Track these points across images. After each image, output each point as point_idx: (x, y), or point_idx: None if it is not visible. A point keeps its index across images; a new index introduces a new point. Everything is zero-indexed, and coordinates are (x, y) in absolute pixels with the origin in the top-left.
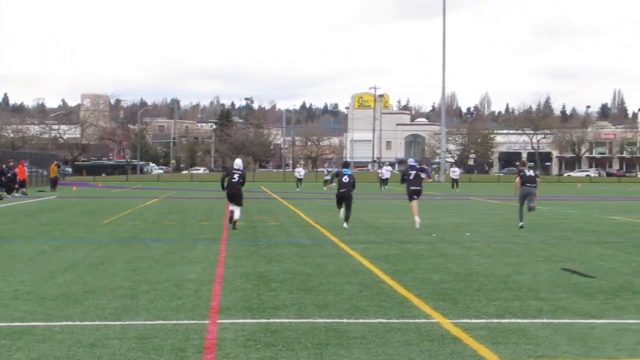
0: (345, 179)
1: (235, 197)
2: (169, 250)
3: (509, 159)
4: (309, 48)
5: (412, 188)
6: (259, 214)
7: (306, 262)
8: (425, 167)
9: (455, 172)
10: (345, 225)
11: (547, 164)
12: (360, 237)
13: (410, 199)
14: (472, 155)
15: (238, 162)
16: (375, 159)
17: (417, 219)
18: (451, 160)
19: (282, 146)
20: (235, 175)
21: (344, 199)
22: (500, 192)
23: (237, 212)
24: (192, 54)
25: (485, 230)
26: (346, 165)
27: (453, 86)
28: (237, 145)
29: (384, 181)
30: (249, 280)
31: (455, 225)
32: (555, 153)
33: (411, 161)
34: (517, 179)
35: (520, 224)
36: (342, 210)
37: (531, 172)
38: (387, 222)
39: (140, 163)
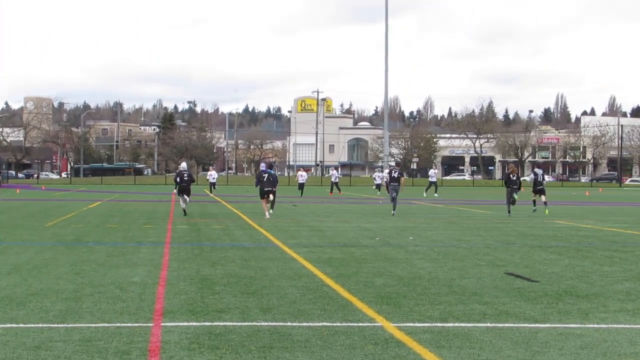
0: (264, 177)
1: (185, 191)
2: (112, 253)
3: (452, 163)
4: (252, 51)
5: (266, 189)
6: (202, 217)
7: (250, 266)
8: (275, 173)
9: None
10: (267, 215)
11: (490, 168)
12: (303, 240)
13: (262, 197)
14: (415, 159)
15: (184, 165)
16: (318, 163)
17: (267, 214)
18: (392, 163)
19: (225, 149)
20: (185, 175)
21: (268, 193)
22: (443, 196)
23: (182, 202)
24: (135, 57)
25: (429, 234)
26: (270, 166)
27: (396, 90)
28: (180, 148)
29: (377, 186)
30: (192, 283)
31: (399, 229)
32: (498, 157)
33: (263, 166)
34: (385, 179)
35: (392, 212)
36: (268, 206)
37: (395, 174)
38: (330, 226)
39: (141, 166)
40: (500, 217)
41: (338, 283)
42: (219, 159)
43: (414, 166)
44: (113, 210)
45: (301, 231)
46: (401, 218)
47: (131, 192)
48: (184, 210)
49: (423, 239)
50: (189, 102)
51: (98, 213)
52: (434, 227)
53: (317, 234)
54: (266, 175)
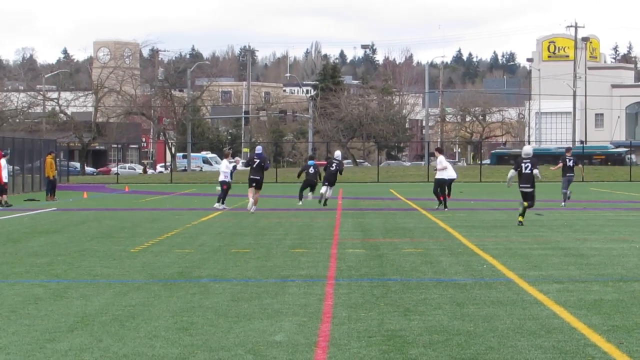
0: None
1: (332, 181)
2: (240, 296)
3: None
4: None
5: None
6: (387, 234)
7: (466, 314)
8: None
9: None
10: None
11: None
12: (554, 272)
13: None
14: None
15: (338, 154)
16: (578, 143)
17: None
18: None
19: (423, 123)
20: (334, 165)
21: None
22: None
23: (329, 191)
24: None
25: None
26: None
27: None
28: (351, 122)
29: None
30: (372, 343)
31: None
32: None
33: (259, 149)
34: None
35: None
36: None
37: (570, 162)
38: (598, 248)
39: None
40: None
41: (611, 342)
42: (414, 140)
43: None
44: (242, 224)
45: (550, 256)
46: None
47: (272, 195)
48: (325, 202)
49: None
50: (364, 47)
51: (217, 230)
52: None
53: (577, 261)
54: (257, 161)
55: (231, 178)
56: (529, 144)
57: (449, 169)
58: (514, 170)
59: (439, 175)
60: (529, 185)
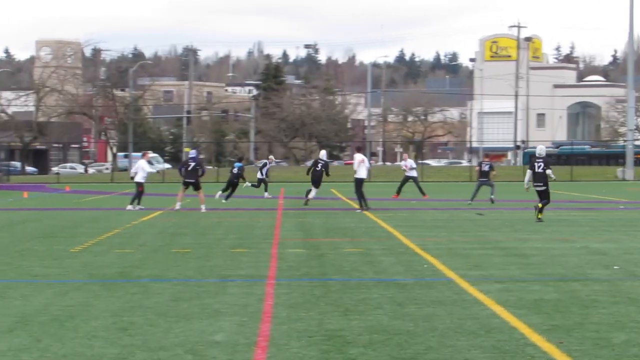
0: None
1: (317, 182)
2: (181, 296)
3: None
4: None
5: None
6: (328, 234)
7: (406, 314)
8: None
9: None
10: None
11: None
12: (495, 271)
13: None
14: None
15: (323, 154)
16: (519, 143)
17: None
18: None
19: (366, 123)
20: (319, 165)
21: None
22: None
23: (313, 192)
24: None
25: None
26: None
27: None
28: (293, 122)
29: None
30: (312, 343)
31: None
32: None
33: (193, 152)
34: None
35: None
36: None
37: (486, 167)
38: (538, 247)
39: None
40: None
41: (551, 341)
42: (356, 139)
43: None
44: (182, 224)
45: (491, 256)
46: None
47: (212, 194)
48: (306, 200)
49: None
50: (307, 47)
51: (157, 229)
52: None
53: (517, 261)
54: (192, 164)
55: (266, 175)
56: (471, 144)
57: (412, 169)
58: (530, 170)
59: (358, 175)
60: (541, 184)
